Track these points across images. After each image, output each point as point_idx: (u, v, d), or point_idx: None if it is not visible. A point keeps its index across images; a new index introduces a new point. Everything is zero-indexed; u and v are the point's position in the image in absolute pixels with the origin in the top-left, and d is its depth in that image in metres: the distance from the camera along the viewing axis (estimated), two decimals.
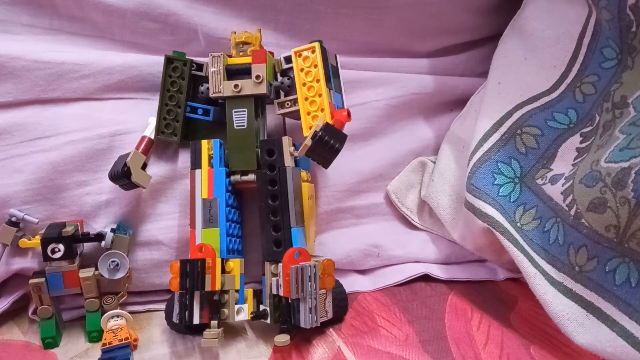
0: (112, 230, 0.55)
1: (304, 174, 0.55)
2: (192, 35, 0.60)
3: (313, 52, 0.54)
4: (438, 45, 0.69)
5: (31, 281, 0.53)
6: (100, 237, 0.55)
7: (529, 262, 0.51)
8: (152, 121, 0.57)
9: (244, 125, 0.55)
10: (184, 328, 0.53)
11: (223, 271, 0.52)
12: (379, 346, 0.51)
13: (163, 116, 0.57)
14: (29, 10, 0.58)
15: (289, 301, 0.50)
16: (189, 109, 0.57)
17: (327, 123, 0.52)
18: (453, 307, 0.58)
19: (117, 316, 0.54)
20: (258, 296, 0.56)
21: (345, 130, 0.53)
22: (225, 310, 0.52)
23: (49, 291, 0.53)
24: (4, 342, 0.54)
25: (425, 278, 0.63)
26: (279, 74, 0.57)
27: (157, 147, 0.58)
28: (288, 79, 0.56)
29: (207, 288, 0.50)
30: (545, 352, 0.50)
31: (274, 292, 0.51)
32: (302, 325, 0.49)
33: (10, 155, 0.55)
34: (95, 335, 0.54)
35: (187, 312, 0.50)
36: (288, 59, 0.56)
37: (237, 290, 0.53)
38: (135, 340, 0.53)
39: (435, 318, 0.56)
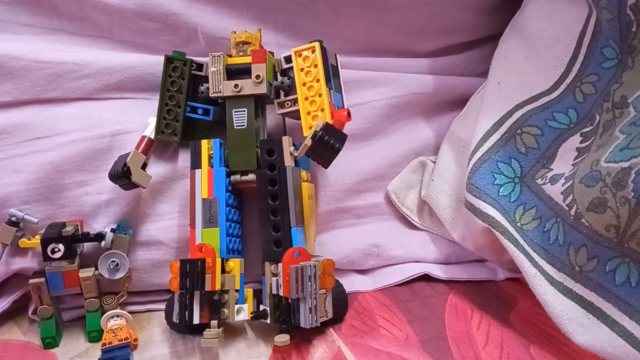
0: (112, 230, 0.55)
1: (304, 174, 0.55)
2: (192, 35, 0.60)
3: (313, 51, 0.54)
4: (438, 45, 0.69)
5: (31, 281, 0.53)
6: (100, 237, 0.55)
7: (529, 262, 0.51)
8: (152, 121, 0.57)
9: (244, 125, 0.55)
10: (184, 328, 0.53)
11: (223, 271, 0.52)
12: (379, 346, 0.51)
13: (163, 116, 0.57)
14: (29, 10, 0.58)
15: (289, 301, 0.50)
16: (189, 109, 0.57)
17: (327, 123, 0.52)
18: (453, 307, 0.58)
19: (117, 316, 0.54)
20: (258, 296, 0.56)
21: (345, 130, 0.53)
22: (225, 310, 0.52)
23: (49, 291, 0.53)
24: (4, 342, 0.54)
25: (425, 278, 0.63)
26: (279, 74, 0.57)
27: (157, 147, 0.58)
28: (288, 78, 0.56)
29: (207, 288, 0.50)
30: (545, 352, 0.50)
31: (274, 292, 0.51)
32: (302, 325, 0.49)
33: (10, 155, 0.55)
34: (95, 335, 0.54)
35: (187, 312, 0.50)
36: (288, 59, 0.56)
37: (237, 290, 0.53)
38: (135, 340, 0.53)
39: (435, 318, 0.56)
